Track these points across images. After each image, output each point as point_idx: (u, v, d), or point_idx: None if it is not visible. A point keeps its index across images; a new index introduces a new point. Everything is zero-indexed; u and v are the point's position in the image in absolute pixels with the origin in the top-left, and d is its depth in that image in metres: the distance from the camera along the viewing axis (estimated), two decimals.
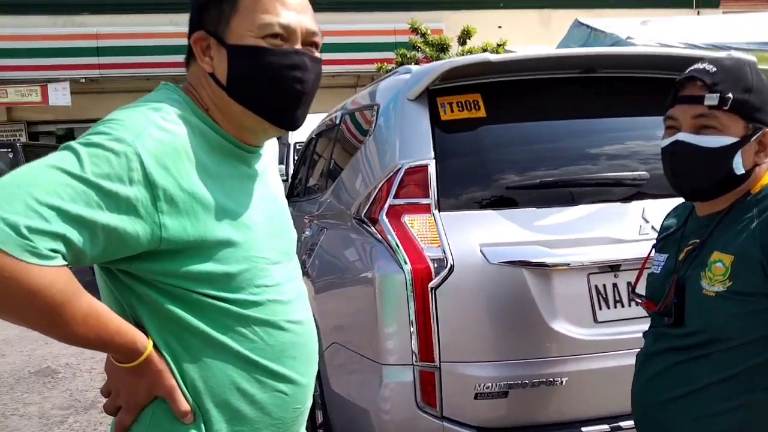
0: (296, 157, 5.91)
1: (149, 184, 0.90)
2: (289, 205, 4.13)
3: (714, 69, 1.25)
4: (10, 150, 8.94)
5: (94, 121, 1.05)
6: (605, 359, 1.90)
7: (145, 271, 0.96)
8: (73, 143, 0.90)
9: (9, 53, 12.47)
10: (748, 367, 1.20)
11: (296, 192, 4.11)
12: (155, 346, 0.99)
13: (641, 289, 1.50)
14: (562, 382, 1.87)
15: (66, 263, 0.86)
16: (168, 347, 1.00)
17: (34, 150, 9.51)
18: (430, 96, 2.12)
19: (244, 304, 1.02)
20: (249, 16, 1.01)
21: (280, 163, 8.76)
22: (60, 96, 12.52)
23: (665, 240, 1.45)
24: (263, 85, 1.02)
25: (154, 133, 0.92)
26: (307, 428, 1.26)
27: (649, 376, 1.35)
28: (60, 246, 0.84)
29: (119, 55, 12.52)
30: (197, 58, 1.06)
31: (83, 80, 12.91)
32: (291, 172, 5.72)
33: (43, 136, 14.23)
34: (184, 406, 1.00)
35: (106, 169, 0.87)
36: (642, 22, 7.93)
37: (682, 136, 1.26)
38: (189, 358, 1.00)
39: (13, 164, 8.66)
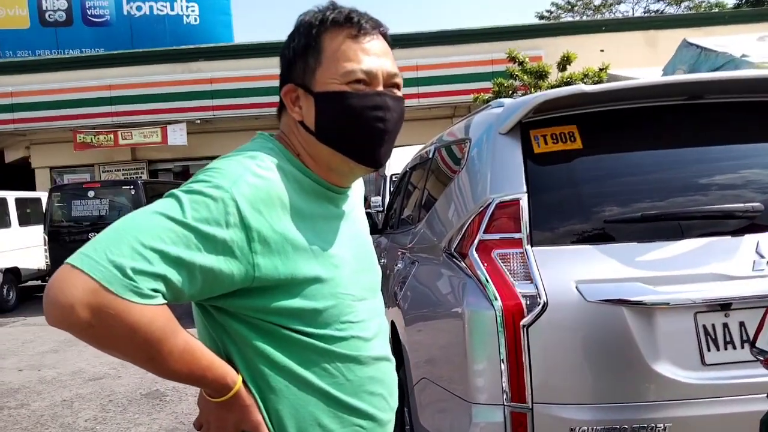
0: (392, 190, 6.00)
1: (244, 226, 0.96)
2: (383, 237, 4.18)
3: None
4: (132, 187, 9.76)
5: (209, 158, 1.14)
6: (714, 405, 1.75)
7: (237, 307, 1.02)
8: (176, 191, 0.98)
9: (134, 99, 13.72)
10: None
11: (390, 224, 4.17)
12: (244, 382, 1.04)
13: (763, 342, 1.36)
14: (665, 428, 1.74)
15: (165, 302, 0.93)
16: (255, 383, 1.05)
17: (153, 186, 10.35)
18: (523, 129, 2.10)
19: (330, 340, 1.06)
20: (333, 65, 1.07)
21: (377, 194, 8.92)
22: (178, 136, 13.56)
23: None
24: (348, 127, 1.07)
25: (250, 180, 0.99)
26: None
27: None
28: (161, 286, 0.91)
29: (231, 97, 13.42)
30: (288, 108, 1.13)
31: (198, 121, 13.93)
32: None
33: (162, 173, 15.42)
34: None
35: (204, 214, 0.94)
36: (759, 38, 7.41)
37: None
38: (274, 393, 1.04)
39: (135, 199, 9.45)
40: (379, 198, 8.15)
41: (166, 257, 0.91)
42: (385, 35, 1.13)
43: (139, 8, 17.95)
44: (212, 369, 1.00)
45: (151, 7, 18.04)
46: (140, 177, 14.20)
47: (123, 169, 15.13)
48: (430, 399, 2.21)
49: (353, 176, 1.17)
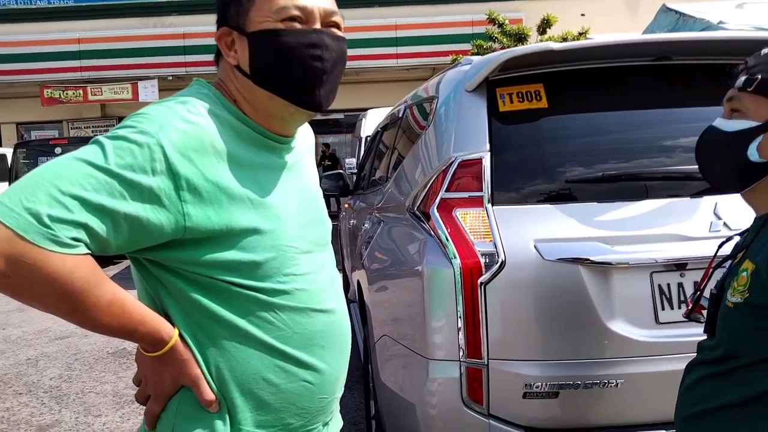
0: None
1: (172, 174, 0.92)
2: (354, 197, 4.17)
3: (766, 52, 1.16)
4: None
5: None
6: (665, 362, 1.79)
7: (171, 260, 0.99)
8: (100, 137, 0.94)
9: (103, 54, 13.33)
10: (764, 391, 1.07)
11: (362, 185, 4.14)
12: (181, 335, 1.01)
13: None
14: (617, 384, 1.78)
15: (89, 252, 0.90)
16: (194, 337, 1.02)
17: None
18: (489, 87, 2.07)
19: (272, 293, 1.03)
20: (266, 3, 1.02)
21: (352, 156, 8.86)
22: (149, 93, 13.25)
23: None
24: (283, 66, 1.03)
25: (179, 125, 0.94)
26: (361, 418, 1.26)
27: (683, 387, 1.26)
28: (82, 235, 0.87)
29: (204, 54, 13.08)
30: (223, 53, 1.08)
31: (170, 78, 13.59)
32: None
33: None
34: (209, 395, 1.02)
35: (129, 160, 0.90)
36: (737, 5, 7.42)
37: (717, 121, 1.17)
38: (214, 347, 1.02)
39: None
40: (354, 160, 8.08)
41: (86, 204, 0.87)
42: None
43: None
44: (145, 323, 0.97)
45: None
46: None
47: (92, 126, 14.78)
48: (390, 356, 2.23)
49: (294, 122, 1.12)
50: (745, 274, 1.10)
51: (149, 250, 0.97)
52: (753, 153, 1.11)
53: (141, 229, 0.92)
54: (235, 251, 0.99)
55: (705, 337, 1.28)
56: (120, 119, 15.28)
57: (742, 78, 1.13)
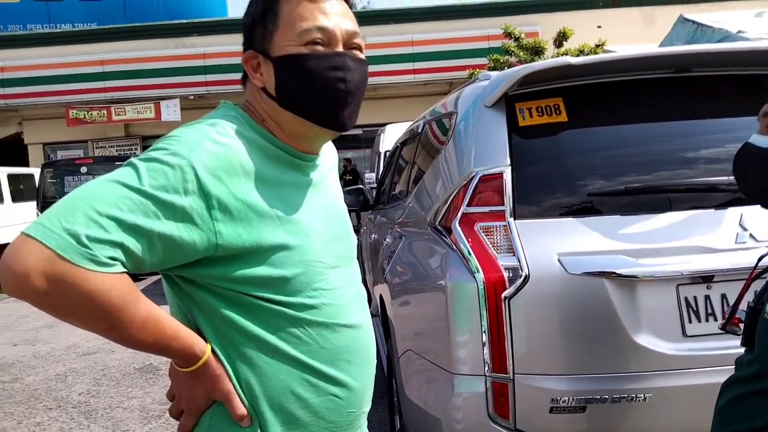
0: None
1: (204, 194, 0.95)
2: (373, 213, 4.18)
3: None
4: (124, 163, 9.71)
5: None
6: (694, 376, 1.77)
7: (203, 276, 1.01)
8: (133, 159, 0.97)
9: (126, 75, 13.60)
10: None
11: (382, 200, 4.16)
12: (213, 351, 1.04)
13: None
14: (645, 398, 1.76)
15: (125, 270, 0.93)
16: (225, 352, 1.04)
17: None
18: (509, 102, 2.08)
19: (300, 307, 1.05)
20: (289, 27, 1.05)
21: (371, 171, 8.89)
22: (171, 112, 13.47)
23: None
24: (308, 90, 1.05)
25: (209, 147, 0.97)
26: None
27: (719, 406, 1.24)
28: (118, 254, 0.90)
29: (224, 73, 13.28)
30: (249, 75, 1.11)
31: (192, 97, 13.81)
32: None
33: None
34: (241, 410, 1.03)
35: (162, 181, 0.93)
36: (757, 14, 7.36)
37: (753, 137, 1.16)
38: (245, 362, 1.04)
39: None
40: (373, 174, 8.12)
41: (122, 225, 0.90)
42: None
43: None
44: (178, 338, 1.00)
45: None
46: (134, 153, 14.13)
47: (116, 145, 15.03)
48: (415, 371, 2.23)
49: (319, 141, 1.15)
50: None
51: (182, 267, 1.00)
52: None
53: (175, 247, 0.95)
54: (265, 267, 1.01)
55: (742, 352, 1.26)
56: (144, 138, 15.52)
57: None
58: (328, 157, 1.25)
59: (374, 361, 1.21)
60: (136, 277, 8.64)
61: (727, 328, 1.39)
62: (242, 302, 1.02)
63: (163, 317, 0.99)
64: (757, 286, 1.26)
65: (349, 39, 1.09)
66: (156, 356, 5.00)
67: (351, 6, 1.12)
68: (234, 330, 1.04)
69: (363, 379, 1.15)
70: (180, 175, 0.94)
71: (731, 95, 2.17)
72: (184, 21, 14.72)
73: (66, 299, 0.89)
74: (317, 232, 1.09)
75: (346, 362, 1.11)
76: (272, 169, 1.05)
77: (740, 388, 1.18)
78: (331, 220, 1.16)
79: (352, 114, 1.10)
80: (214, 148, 0.98)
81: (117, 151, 14.83)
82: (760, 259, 1.38)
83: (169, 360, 1.06)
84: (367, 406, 1.19)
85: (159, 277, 1.08)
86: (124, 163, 0.98)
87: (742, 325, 1.29)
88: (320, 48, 1.05)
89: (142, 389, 4.41)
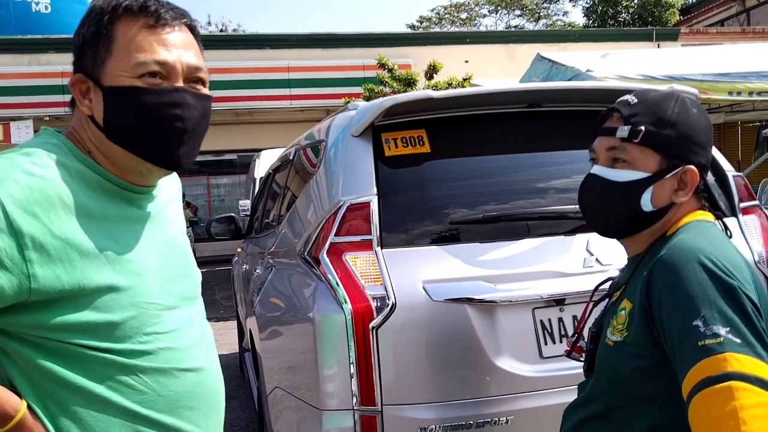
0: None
1: (14, 232, 0.85)
2: (246, 242, 4.04)
3: (635, 101, 1.19)
4: None
5: None
6: (551, 396, 1.86)
7: (15, 325, 0.90)
8: None
9: None
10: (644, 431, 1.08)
11: (255, 228, 4.05)
12: (30, 408, 0.92)
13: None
14: (507, 421, 1.82)
15: None
16: (45, 408, 0.93)
17: None
18: (375, 132, 2.11)
19: (131, 354, 0.97)
20: (124, 56, 0.98)
21: (246, 198, 8.69)
22: (23, 134, 12.32)
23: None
24: (141, 126, 0.98)
25: (20, 179, 0.88)
26: None
27: (564, 431, 1.27)
28: None
29: None
30: (77, 101, 1.03)
31: (47, 118, 12.76)
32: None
33: None
34: None
35: None
36: (602, 56, 8.19)
37: (596, 169, 1.22)
38: (69, 417, 0.94)
39: None
40: (248, 201, 7.93)
41: None
42: (191, 27, 1.05)
43: None
44: None
45: None
46: None
47: None
48: (283, 408, 2.16)
49: (153, 177, 1.08)
50: (623, 312, 1.14)
51: None
52: (646, 203, 1.15)
53: None
54: (89, 312, 0.92)
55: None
56: None
57: (625, 128, 1.15)
58: (169, 187, 1.17)
59: (221, 405, 1.13)
60: None
61: (572, 355, 1.46)
62: (63, 352, 0.92)
63: None
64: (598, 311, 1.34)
65: (190, 73, 1.03)
66: None
67: (196, 35, 1.06)
68: (54, 383, 0.93)
69: (207, 426, 1.08)
70: None
71: (578, 129, 2.36)
72: (41, 36, 13.64)
73: None
74: (151, 271, 1.01)
75: (188, 409, 1.03)
76: (98, 202, 0.97)
77: (582, 413, 1.22)
78: (170, 257, 1.08)
79: (190, 152, 1.04)
80: (26, 180, 0.88)
81: None
82: (596, 288, 1.46)
83: None
84: None
85: None
86: None
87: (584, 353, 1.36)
88: (157, 81, 0.98)
89: None
